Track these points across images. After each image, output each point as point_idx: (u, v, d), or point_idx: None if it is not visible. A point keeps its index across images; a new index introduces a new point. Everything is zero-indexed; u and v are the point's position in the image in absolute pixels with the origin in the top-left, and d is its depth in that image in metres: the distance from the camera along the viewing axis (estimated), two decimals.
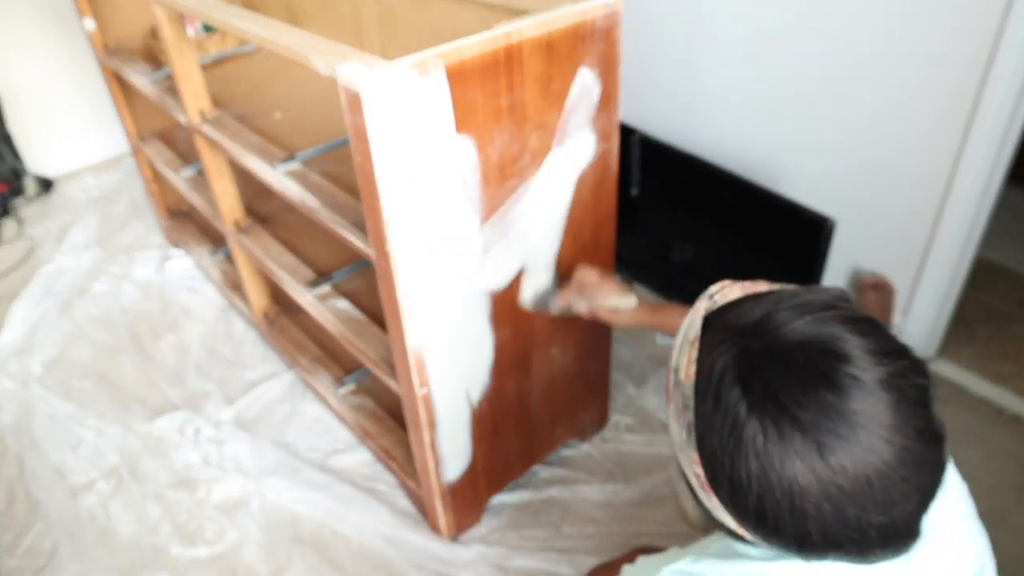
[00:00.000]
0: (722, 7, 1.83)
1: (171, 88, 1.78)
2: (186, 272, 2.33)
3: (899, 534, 0.57)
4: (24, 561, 1.52)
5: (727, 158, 1.95)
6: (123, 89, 2.15)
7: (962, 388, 1.78)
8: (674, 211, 1.98)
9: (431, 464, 1.33)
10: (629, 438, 1.69)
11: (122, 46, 2.11)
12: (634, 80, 2.10)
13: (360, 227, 1.20)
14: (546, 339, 1.39)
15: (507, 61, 1.03)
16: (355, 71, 0.92)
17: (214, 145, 1.60)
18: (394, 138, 0.96)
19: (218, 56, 2.10)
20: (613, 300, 1.19)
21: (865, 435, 0.54)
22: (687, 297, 0.69)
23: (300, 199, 1.33)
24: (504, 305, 1.26)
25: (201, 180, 1.98)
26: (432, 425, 1.28)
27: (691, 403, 0.61)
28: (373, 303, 1.52)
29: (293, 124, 1.70)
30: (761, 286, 0.66)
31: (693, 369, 0.62)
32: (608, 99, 1.21)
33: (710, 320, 0.64)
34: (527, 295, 1.29)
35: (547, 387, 1.46)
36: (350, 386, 1.73)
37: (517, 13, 1.17)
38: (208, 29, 2.12)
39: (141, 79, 1.87)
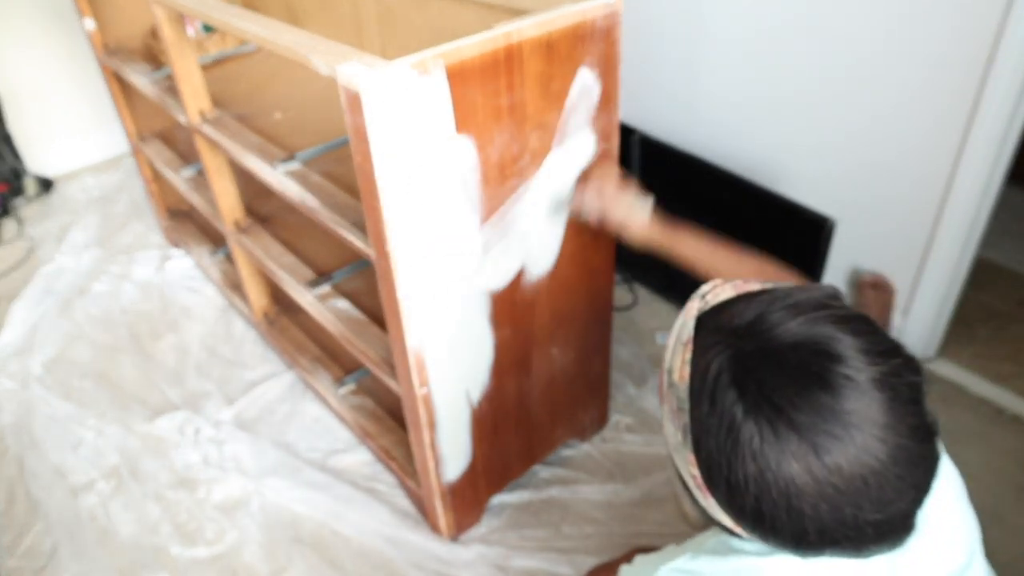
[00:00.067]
0: (722, 7, 1.83)
1: (171, 88, 1.78)
2: (186, 272, 2.33)
3: (895, 529, 0.57)
4: (24, 561, 1.52)
5: (727, 158, 1.95)
6: (123, 89, 2.15)
7: (962, 388, 1.78)
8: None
9: (431, 464, 1.33)
10: (629, 438, 1.69)
11: (122, 46, 2.11)
12: (634, 80, 2.10)
13: (360, 227, 1.20)
14: (546, 339, 1.39)
15: (507, 61, 1.03)
16: (355, 71, 0.92)
17: (214, 145, 1.60)
18: (394, 138, 0.96)
19: (218, 56, 2.10)
20: (625, 210, 1.13)
21: (860, 435, 0.54)
22: (687, 297, 0.69)
23: (300, 199, 1.33)
24: (504, 305, 1.26)
25: (201, 180, 1.98)
26: (432, 425, 1.28)
27: (686, 405, 0.62)
28: (373, 303, 1.52)
29: (293, 124, 1.70)
30: (753, 284, 0.66)
31: (687, 371, 0.62)
32: (608, 99, 1.21)
33: (703, 321, 0.64)
34: (547, 202, 1.21)
35: (547, 387, 1.46)
36: (350, 386, 1.73)
37: (517, 13, 1.17)
38: (208, 29, 2.12)
39: (141, 79, 1.87)
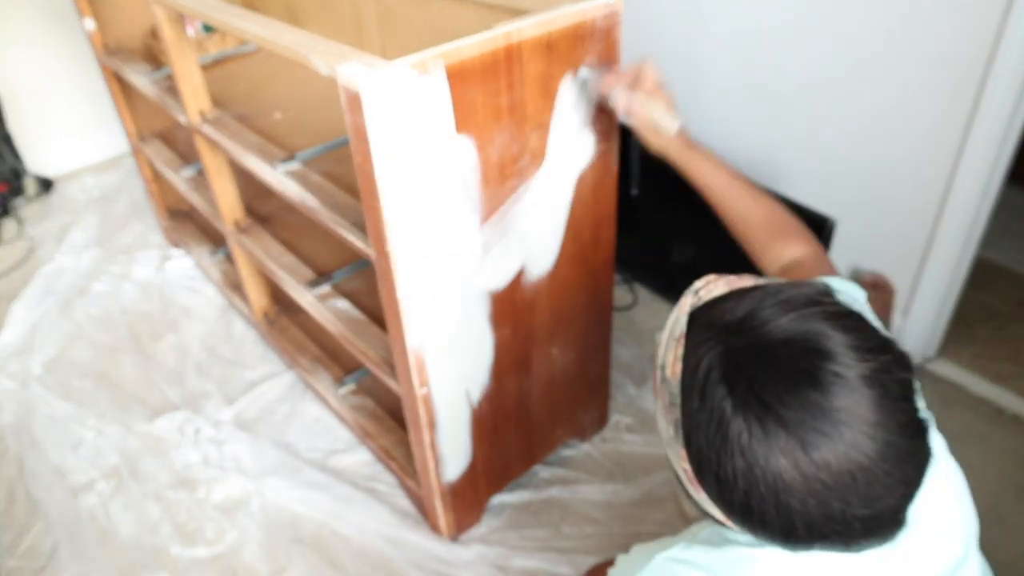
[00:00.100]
0: (722, 7, 1.83)
1: (171, 88, 1.78)
2: (186, 272, 2.33)
3: (883, 525, 0.58)
4: (24, 561, 1.52)
5: (727, 157, 1.95)
6: (123, 89, 2.15)
7: (962, 388, 1.78)
8: (674, 211, 1.98)
9: (431, 464, 1.33)
10: (629, 438, 1.69)
11: (122, 46, 2.11)
12: None
13: (360, 227, 1.20)
14: (546, 339, 1.39)
15: (507, 61, 1.03)
16: (355, 71, 0.92)
17: (214, 145, 1.60)
18: (394, 138, 0.96)
19: (218, 56, 2.10)
20: (657, 114, 1.06)
21: (848, 431, 0.54)
22: None
23: (300, 199, 1.33)
24: (504, 305, 1.26)
25: (201, 180, 1.98)
26: (432, 425, 1.28)
27: (678, 400, 0.62)
28: (373, 303, 1.52)
29: (293, 124, 1.70)
30: (747, 280, 0.66)
31: (679, 366, 0.63)
32: None
33: (695, 316, 0.64)
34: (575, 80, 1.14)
35: (547, 387, 1.46)
36: (350, 386, 1.73)
37: (517, 13, 1.17)
38: (208, 29, 2.12)
39: (141, 79, 1.87)
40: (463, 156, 1.05)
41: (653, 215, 2.05)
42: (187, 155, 2.12)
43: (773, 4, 1.72)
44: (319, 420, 1.79)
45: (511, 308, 1.28)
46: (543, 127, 1.14)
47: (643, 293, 2.15)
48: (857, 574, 0.63)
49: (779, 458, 0.55)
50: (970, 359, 1.85)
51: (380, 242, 1.06)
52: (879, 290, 1.77)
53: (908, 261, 1.76)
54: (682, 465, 0.64)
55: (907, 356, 0.59)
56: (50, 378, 1.96)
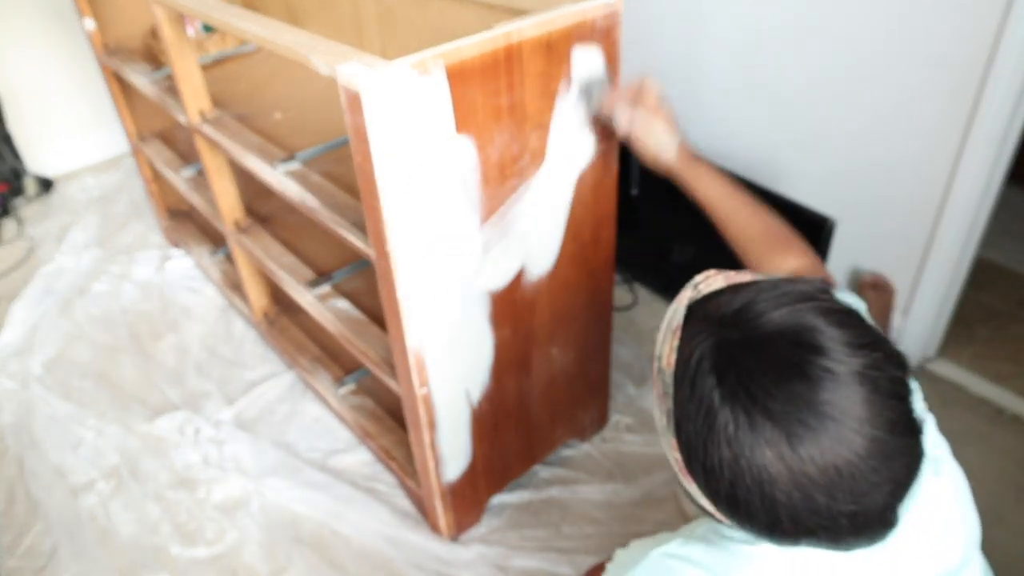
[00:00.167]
0: (722, 7, 1.83)
1: (171, 88, 1.78)
2: (186, 272, 2.33)
3: (871, 523, 0.58)
4: (24, 561, 1.52)
5: (727, 158, 1.95)
6: (123, 89, 2.15)
7: (962, 388, 1.78)
8: (674, 211, 1.98)
9: (431, 464, 1.33)
10: (629, 438, 1.69)
11: (122, 46, 2.11)
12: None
13: (360, 227, 1.20)
14: (546, 339, 1.39)
15: (507, 61, 1.03)
16: (355, 71, 0.92)
17: (214, 145, 1.60)
18: (394, 138, 0.96)
19: (218, 56, 2.10)
20: (653, 134, 1.07)
21: (835, 426, 0.54)
22: None
23: (300, 199, 1.33)
24: (504, 305, 1.26)
25: (201, 180, 1.98)
26: (432, 425, 1.28)
27: (671, 390, 0.63)
28: (373, 303, 1.52)
29: (293, 124, 1.70)
30: (745, 276, 0.67)
31: (674, 357, 0.63)
32: None
33: (693, 309, 0.65)
34: (578, 84, 1.15)
35: (547, 387, 1.46)
36: (350, 386, 1.73)
37: (517, 13, 1.17)
38: (208, 29, 2.12)
39: (141, 79, 1.87)
40: (463, 156, 1.05)
41: (653, 215, 2.05)
42: (187, 155, 2.12)
43: (773, 4, 1.72)
44: (319, 420, 1.79)
45: (511, 308, 1.28)
46: (543, 127, 1.14)
47: (643, 293, 2.15)
48: (851, 574, 0.63)
49: (765, 450, 0.55)
50: (970, 359, 1.85)
51: (380, 242, 1.06)
52: (879, 290, 1.77)
53: (908, 261, 1.76)
54: (673, 455, 0.65)
55: (901, 354, 0.59)
56: (50, 378, 1.96)
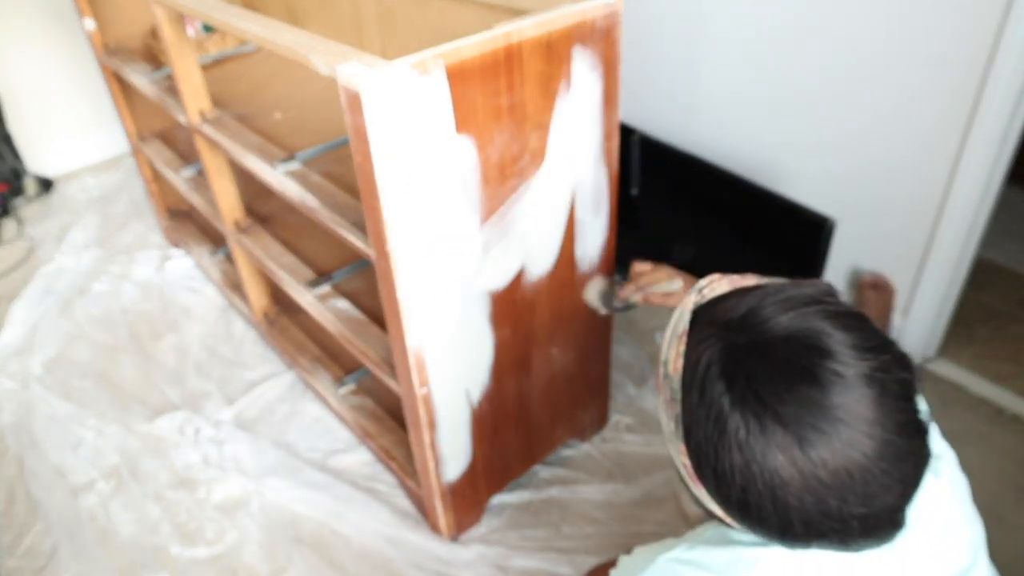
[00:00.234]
0: (722, 7, 1.83)
1: (171, 88, 1.78)
2: (186, 272, 2.33)
3: (881, 524, 0.58)
4: (24, 561, 1.52)
5: (727, 158, 1.95)
6: (123, 89, 2.15)
7: (962, 388, 1.78)
8: (674, 211, 1.98)
9: (431, 464, 1.34)
10: (629, 438, 1.69)
11: (122, 46, 2.11)
12: (634, 80, 2.10)
13: (360, 227, 1.20)
14: (546, 339, 1.39)
15: (507, 61, 1.03)
16: (355, 71, 0.92)
17: (214, 145, 1.60)
18: (394, 138, 0.96)
19: (218, 56, 2.10)
20: (662, 286, 1.21)
21: (845, 429, 0.54)
22: None
23: (300, 199, 1.33)
24: (504, 305, 1.26)
25: (201, 180, 1.98)
26: (432, 425, 1.28)
27: (679, 396, 0.63)
28: (373, 303, 1.52)
29: (293, 124, 1.70)
30: (750, 280, 0.67)
31: (681, 363, 0.63)
32: (608, 99, 1.21)
33: (698, 314, 0.65)
34: (592, 297, 1.39)
35: (547, 387, 1.46)
36: (350, 386, 1.73)
37: (517, 13, 1.17)
38: (208, 29, 2.12)
39: (141, 79, 1.87)
40: (463, 156, 1.05)
41: (653, 215, 2.05)
42: (187, 155, 2.12)
43: (773, 4, 1.72)
44: (319, 420, 1.79)
45: (511, 308, 1.28)
46: (543, 127, 1.14)
47: None
48: (861, 575, 0.63)
49: (776, 455, 0.55)
50: (970, 359, 1.85)
51: (380, 242, 1.06)
52: (879, 290, 1.77)
53: (908, 261, 1.76)
54: (682, 460, 0.64)
55: (907, 356, 0.59)
56: (50, 378, 1.96)
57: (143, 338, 2.09)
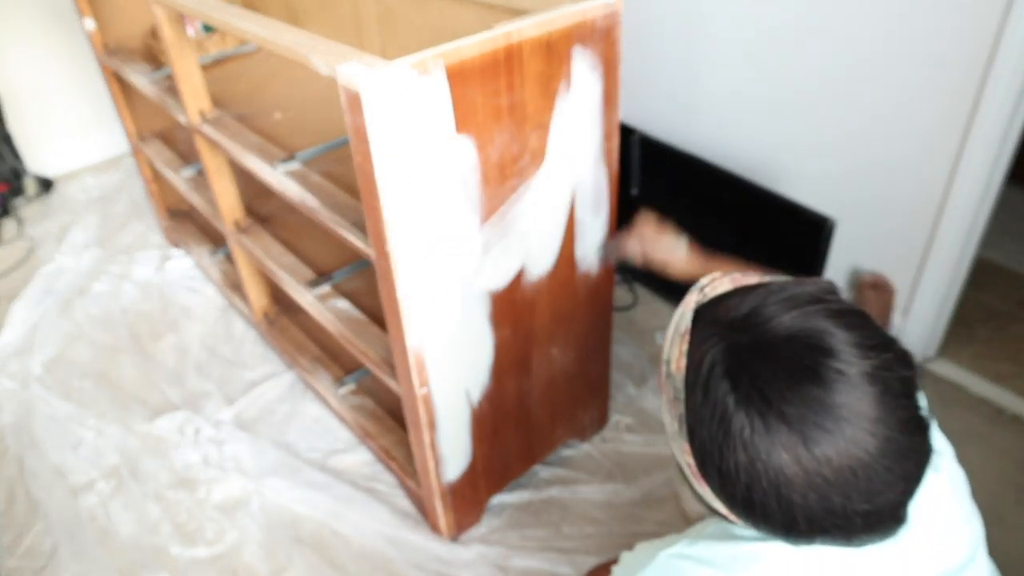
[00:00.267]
0: (722, 7, 1.83)
1: (171, 88, 1.78)
2: (186, 272, 2.33)
3: (884, 520, 0.58)
4: (24, 561, 1.52)
5: (727, 158, 1.95)
6: (123, 89, 2.15)
7: (962, 388, 1.78)
8: (674, 211, 1.97)
9: (431, 464, 1.34)
10: (629, 438, 1.69)
11: (122, 46, 2.11)
12: (634, 80, 2.10)
13: (360, 227, 1.20)
14: (546, 339, 1.39)
15: (507, 61, 1.03)
16: (355, 71, 0.92)
17: (214, 145, 1.60)
18: (394, 138, 0.96)
19: (218, 56, 2.10)
20: (664, 250, 1.20)
21: (849, 428, 0.55)
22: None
23: (300, 199, 1.33)
24: (504, 305, 1.26)
25: (201, 180, 1.98)
26: (432, 425, 1.28)
27: (682, 395, 0.63)
28: (373, 303, 1.52)
29: (293, 124, 1.70)
30: (751, 278, 0.67)
31: (683, 362, 0.63)
32: (608, 99, 1.21)
33: (701, 313, 0.65)
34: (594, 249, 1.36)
35: (547, 387, 1.46)
36: (350, 386, 1.73)
37: (517, 13, 1.17)
38: (208, 29, 2.12)
39: (141, 79, 1.87)
40: (463, 156, 1.05)
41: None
42: (187, 155, 2.12)
43: (773, 4, 1.72)
44: (319, 420, 1.79)
45: (511, 308, 1.28)
46: (543, 127, 1.14)
47: (643, 293, 2.15)
48: (860, 570, 0.64)
49: (781, 453, 0.56)
50: (970, 359, 1.85)
51: (380, 242, 1.06)
52: (879, 290, 1.77)
53: (908, 261, 1.76)
54: (686, 459, 0.65)
55: (909, 354, 0.59)
56: (50, 378, 1.96)
57: (143, 338, 2.09)
